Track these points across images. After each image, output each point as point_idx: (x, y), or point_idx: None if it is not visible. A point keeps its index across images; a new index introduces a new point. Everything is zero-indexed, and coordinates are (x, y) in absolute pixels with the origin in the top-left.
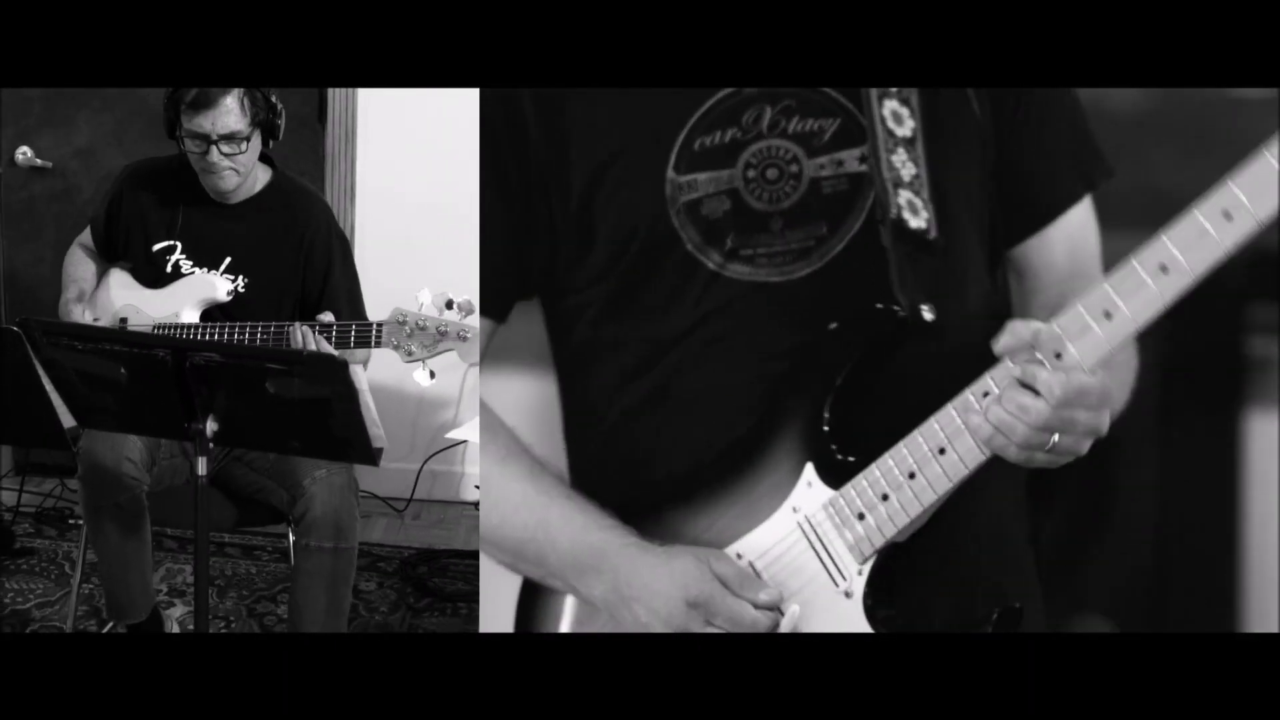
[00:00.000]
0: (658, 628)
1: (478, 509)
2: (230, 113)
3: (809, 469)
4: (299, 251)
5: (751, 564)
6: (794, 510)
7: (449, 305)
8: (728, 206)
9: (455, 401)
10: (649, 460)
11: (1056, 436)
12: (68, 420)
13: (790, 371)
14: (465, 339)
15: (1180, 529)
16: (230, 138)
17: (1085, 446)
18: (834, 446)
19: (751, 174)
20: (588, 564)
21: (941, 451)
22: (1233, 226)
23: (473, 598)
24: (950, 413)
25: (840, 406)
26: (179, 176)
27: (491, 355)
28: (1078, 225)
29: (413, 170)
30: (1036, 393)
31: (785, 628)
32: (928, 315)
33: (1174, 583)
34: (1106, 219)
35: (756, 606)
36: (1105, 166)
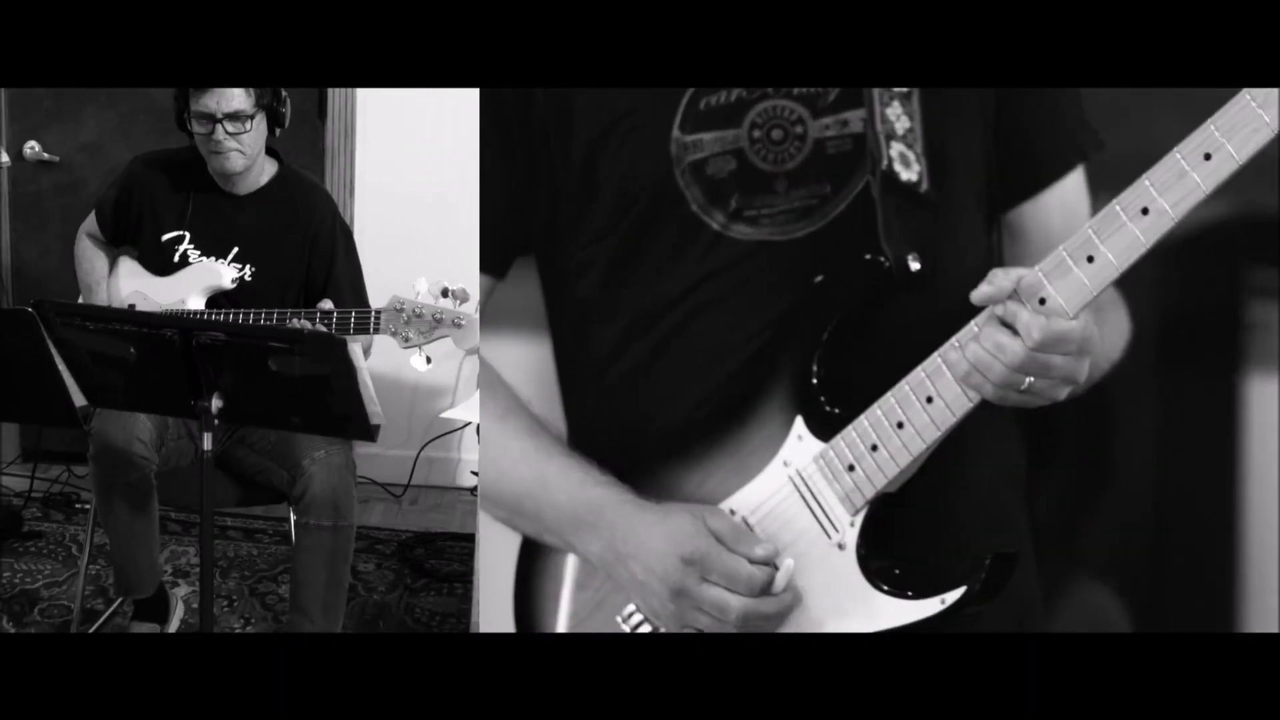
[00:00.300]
0: (654, 585)
1: (474, 494)
2: (235, 93)
3: (799, 422)
4: (304, 242)
5: (745, 519)
6: (785, 464)
7: (444, 294)
8: (733, 166)
9: (451, 389)
10: (645, 418)
11: (1031, 379)
12: (79, 401)
13: (781, 327)
14: (460, 325)
15: (1178, 492)
16: (235, 116)
17: (1062, 393)
18: (823, 399)
19: (757, 134)
20: (584, 520)
21: (929, 400)
22: (1211, 166)
23: (468, 578)
24: (936, 361)
25: (829, 359)
26: (189, 168)
27: (491, 318)
28: (1072, 192)
29: (411, 165)
30: (1015, 332)
31: (780, 582)
32: (914, 265)
33: (1172, 545)
34: (1099, 189)
35: (752, 561)
36: (1097, 139)
